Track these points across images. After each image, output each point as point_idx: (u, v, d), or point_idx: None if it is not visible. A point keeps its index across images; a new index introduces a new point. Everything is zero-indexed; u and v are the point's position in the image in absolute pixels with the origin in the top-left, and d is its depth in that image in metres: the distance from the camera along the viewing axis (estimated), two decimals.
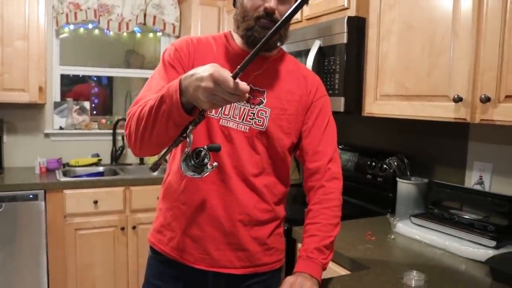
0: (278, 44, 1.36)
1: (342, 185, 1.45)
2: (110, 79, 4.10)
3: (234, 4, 1.40)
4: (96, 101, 3.82)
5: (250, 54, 0.93)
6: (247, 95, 0.96)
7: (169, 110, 1.03)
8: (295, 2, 0.92)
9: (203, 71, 0.96)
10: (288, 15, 0.88)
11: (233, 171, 1.33)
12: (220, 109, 1.32)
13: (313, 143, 1.40)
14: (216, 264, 1.35)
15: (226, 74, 0.93)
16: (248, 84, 0.96)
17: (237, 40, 1.39)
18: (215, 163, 1.11)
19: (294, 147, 1.44)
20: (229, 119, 1.33)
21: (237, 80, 0.93)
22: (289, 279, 1.21)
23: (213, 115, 1.32)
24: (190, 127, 1.06)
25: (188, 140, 1.07)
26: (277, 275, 1.46)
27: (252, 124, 1.34)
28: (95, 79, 3.99)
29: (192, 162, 1.08)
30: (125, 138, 1.26)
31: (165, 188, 1.45)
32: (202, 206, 1.34)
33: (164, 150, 1.18)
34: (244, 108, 1.33)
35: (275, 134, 1.35)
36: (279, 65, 1.41)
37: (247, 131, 1.33)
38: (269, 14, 1.27)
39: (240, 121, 1.33)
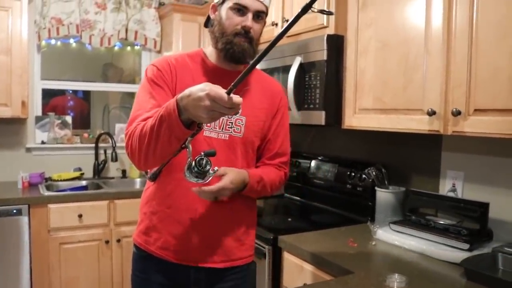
0: (248, 60, 1.50)
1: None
2: (87, 92, 4.13)
3: (206, 25, 1.57)
4: (73, 114, 3.84)
5: (242, 72, 1.07)
6: (240, 106, 1.10)
7: (170, 128, 1.16)
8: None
9: (199, 91, 1.09)
10: (279, 34, 1.03)
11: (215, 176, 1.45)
12: None
13: (275, 146, 1.61)
14: (198, 260, 1.50)
15: (221, 91, 1.07)
16: None
17: (211, 56, 1.55)
18: (216, 168, 1.26)
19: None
20: (211, 129, 1.48)
21: (231, 95, 1.07)
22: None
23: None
24: (189, 138, 1.20)
25: (188, 150, 1.20)
26: (250, 268, 1.65)
27: (231, 132, 1.51)
28: (70, 92, 4.01)
29: (195, 169, 1.20)
30: (127, 155, 1.37)
31: (149, 194, 1.58)
32: (187, 209, 1.49)
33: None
34: (223, 119, 1.48)
35: (250, 138, 1.54)
36: (248, 77, 1.51)
37: (227, 138, 1.50)
38: (246, 31, 1.45)
39: (220, 130, 1.49)
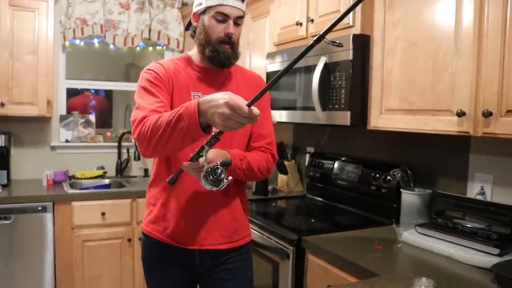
0: (233, 61, 1.65)
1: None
2: (109, 92, 4.17)
3: (187, 28, 1.70)
4: (95, 113, 3.88)
5: (269, 83, 1.13)
6: (258, 117, 1.17)
7: (188, 128, 1.24)
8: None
9: (220, 98, 1.16)
10: (306, 50, 1.10)
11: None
12: None
13: (258, 128, 1.72)
14: (204, 243, 1.62)
15: (240, 102, 1.14)
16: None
17: (196, 59, 1.68)
18: (230, 177, 1.33)
19: None
20: None
21: (251, 107, 1.14)
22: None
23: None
24: (206, 148, 1.30)
25: (205, 158, 1.31)
26: (249, 249, 1.76)
27: None
28: (93, 91, 4.06)
29: (211, 177, 1.29)
30: (134, 139, 1.49)
31: (155, 187, 1.69)
32: (194, 198, 1.61)
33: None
34: None
35: (243, 128, 1.58)
36: (232, 71, 1.72)
37: None
38: (229, 37, 1.58)
39: None
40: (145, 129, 1.37)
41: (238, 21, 1.60)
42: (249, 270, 1.75)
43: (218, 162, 1.34)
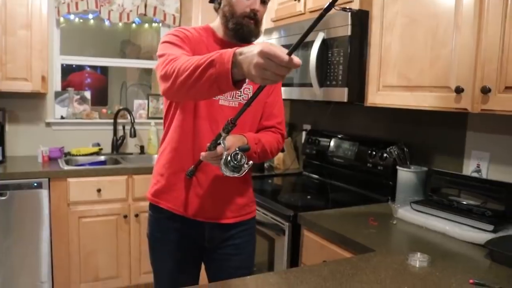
0: (253, 39, 1.62)
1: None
2: (104, 69, 4.13)
3: (212, 0, 1.65)
4: (90, 91, 3.85)
5: (302, 34, 1.01)
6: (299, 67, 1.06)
7: (217, 76, 1.13)
8: None
9: (254, 49, 1.05)
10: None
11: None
12: None
13: (270, 106, 1.73)
14: (213, 217, 1.64)
15: (276, 49, 1.02)
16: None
17: (218, 31, 1.65)
18: (251, 162, 1.33)
19: None
20: (224, 99, 1.60)
21: (292, 55, 1.01)
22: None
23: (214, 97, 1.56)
24: (223, 134, 1.30)
25: (223, 145, 1.31)
26: (254, 223, 1.80)
27: (240, 99, 1.63)
28: (88, 68, 4.02)
29: (232, 164, 1.29)
30: (158, 77, 1.39)
31: (165, 156, 1.68)
32: (205, 170, 1.60)
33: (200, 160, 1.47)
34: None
35: (256, 105, 1.64)
36: None
37: (236, 106, 1.62)
38: (254, 14, 1.55)
39: (231, 98, 1.62)
40: (172, 68, 1.29)
41: (265, 0, 1.58)
42: (252, 245, 1.77)
43: (237, 148, 1.33)
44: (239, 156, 1.29)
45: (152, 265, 1.76)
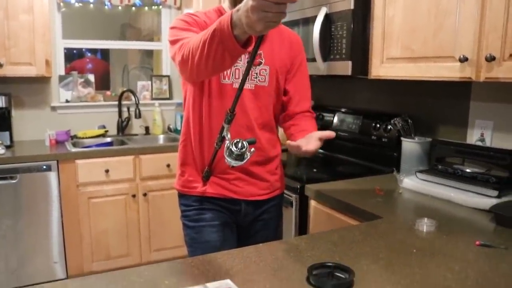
0: None
1: None
2: (105, 54, 4.13)
3: None
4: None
5: None
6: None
7: (223, 43, 1.13)
8: None
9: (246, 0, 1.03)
10: None
11: (252, 123, 1.60)
12: (232, 74, 1.54)
13: (300, 89, 1.71)
14: (247, 194, 1.66)
15: None
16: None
17: (228, 10, 1.57)
18: (253, 149, 1.33)
19: None
20: (239, 81, 1.51)
21: None
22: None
23: (227, 81, 1.55)
24: (226, 126, 1.31)
25: (226, 137, 1.31)
26: (282, 199, 1.83)
27: (256, 82, 1.60)
28: (89, 54, 4.03)
29: (235, 152, 1.29)
30: (178, 66, 1.40)
31: (188, 145, 1.66)
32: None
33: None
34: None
35: (275, 86, 1.64)
36: None
37: (253, 88, 1.59)
38: None
39: (247, 81, 1.55)
40: (187, 50, 1.29)
41: None
42: (279, 219, 1.81)
43: (245, 141, 1.32)
44: (240, 144, 1.29)
45: (190, 246, 1.70)
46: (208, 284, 0.99)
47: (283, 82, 1.67)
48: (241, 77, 1.53)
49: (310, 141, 1.43)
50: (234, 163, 1.31)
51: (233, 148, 1.28)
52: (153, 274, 1.12)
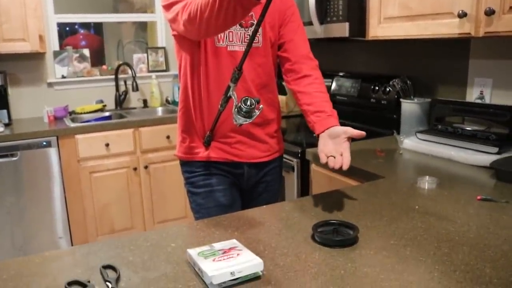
0: None
1: None
2: (99, 29, 4.07)
3: None
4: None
5: None
6: None
7: None
8: None
9: None
10: None
11: (249, 84, 1.58)
12: (226, 37, 1.54)
13: (293, 38, 1.65)
14: (248, 156, 1.67)
15: None
16: None
17: None
18: (261, 106, 1.32)
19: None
20: (233, 44, 1.55)
21: None
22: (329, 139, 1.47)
23: (221, 44, 1.53)
24: (232, 85, 1.30)
25: (233, 96, 1.31)
26: (282, 160, 1.84)
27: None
28: (82, 31, 3.97)
29: (243, 109, 1.28)
30: (182, 25, 1.36)
31: (188, 111, 1.64)
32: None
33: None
34: (241, 32, 1.55)
35: (268, 46, 1.62)
36: None
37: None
38: None
39: (240, 43, 1.56)
40: (195, 7, 1.26)
41: None
42: (279, 182, 1.82)
43: (247, 96, 1.31)
44: (249, 102, 1.29)
45: (198, 212, 1.70)
46: (214, 244, 1.00)
47: (276, 41, 1.65)
48: (234, 39, 1.54)
49: (338, 147, 1.42)
50: (243, 120, 1.30)
51: (243, 105, 1.28)
52: (159, 237, 1.13)
